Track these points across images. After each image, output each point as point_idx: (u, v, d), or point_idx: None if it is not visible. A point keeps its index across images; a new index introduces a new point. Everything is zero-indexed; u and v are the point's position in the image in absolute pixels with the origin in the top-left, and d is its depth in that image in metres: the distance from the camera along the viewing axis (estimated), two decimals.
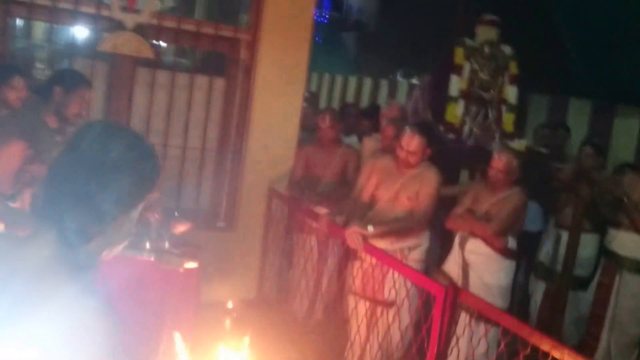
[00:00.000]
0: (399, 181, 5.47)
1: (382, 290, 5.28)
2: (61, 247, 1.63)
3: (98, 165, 1.65)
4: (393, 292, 5.10)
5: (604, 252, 6.57)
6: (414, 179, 5.44)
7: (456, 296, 4.05)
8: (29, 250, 1.63)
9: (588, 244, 6.67)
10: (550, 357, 3.34)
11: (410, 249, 5.47)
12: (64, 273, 1.60)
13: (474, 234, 5.61)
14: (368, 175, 5.63)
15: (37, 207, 1.68)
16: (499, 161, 5.60)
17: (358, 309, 5.43)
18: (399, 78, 13.81)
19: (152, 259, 4.59)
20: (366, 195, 5.59)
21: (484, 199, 5.70)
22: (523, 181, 5.80)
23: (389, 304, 5.26)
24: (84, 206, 1.63)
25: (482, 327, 5.10)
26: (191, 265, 4.65)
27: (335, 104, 13.96)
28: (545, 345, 3.38)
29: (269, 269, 6.64)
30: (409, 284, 5.10)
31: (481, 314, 4.24)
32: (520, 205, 5.67)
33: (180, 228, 5.20)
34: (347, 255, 5.59)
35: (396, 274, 5.06)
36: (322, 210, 5.83)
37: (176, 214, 5.41)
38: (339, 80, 14.66)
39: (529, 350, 3.48)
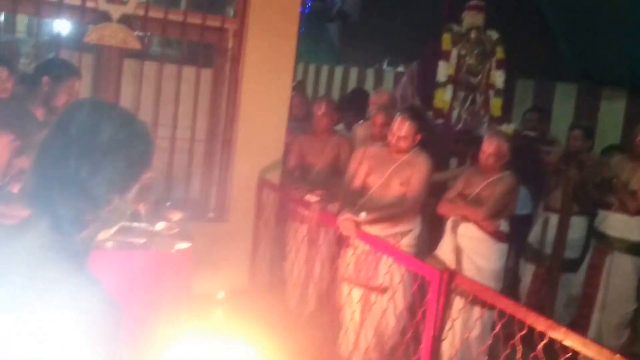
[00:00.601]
0: (390, 167, 5.47)
1: (376, 277, 5.30)
2: (54, 235, 1.59)
3: (89, 149, 1.60)
4: (387, 278, 5.11)
5: (595, 233, 6.65)
6: (405, 164, 5.45)
7: (451, 280, 4.06)
8: (24, 239, 1.59)
9: (577, 226, 6.74)
10: (546, 337, 3.35)
11: (402, 234, 5.48)
12: (61, 261, 1.57)
13: (466, 218, 5.63)
14: (359, 163, 5.63)
15: (27, 195, 1.63)
16: (490, 145, 5.62)
17: (352, 296, 5.45)
18: (385, 67, 13.79)
19: (143, 241, 4.53)
20: (357, 182, 5.60)
21: (475, 183, 5.72)
22: (512, 165, 5.83)
23: (383, 290, 5.28)
24: (77, 193, 1.59)
25: (476, 311, 5.13)
26: (183, 245, 4.61)
27: (322, 95, 13.96)
28: (541, 325, 3.40)
29: (261, 259, 6.64)
30: (403, 269, 5.12)
31: (475, 298, 4.24)
32: (511, 188, 5.70)
33: (172, 217, 5.18)
34: (340, 243, 5.60)
35: (390, 260, 5.08)
36: (313, 198, 5.84)
37: (168, 203, 5.39)
38: (324, 70, 14.66)
39: (525, 330, 3.50)
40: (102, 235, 1.70)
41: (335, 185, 5.98)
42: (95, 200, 1.60)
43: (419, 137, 5.47)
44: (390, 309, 5.14)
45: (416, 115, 5.59)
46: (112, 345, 1.53)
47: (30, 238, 1.59)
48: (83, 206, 1.60)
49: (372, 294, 5.39)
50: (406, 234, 5.50)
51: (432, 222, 6.25)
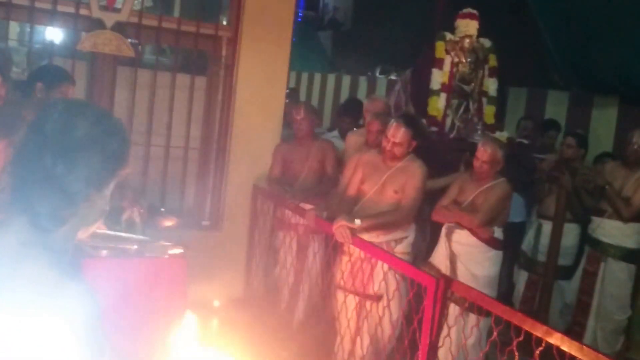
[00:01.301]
0: (384, 174, 5.47)
1: (372, 284, 5.30)
2: (33, 232, 1.61)
3: (64, 146, 1.62)
4: (383, 285, 5.12)
5: (588, 240, 6.67)
6: (399, 171, 5.45)
7: (447, 287, 4.07)
8: (4, 236, 1.61)
9: (570, 233, 6.74)
10: (543, 343, 3.36)
11: (396, 241, 5.48)
12: (40, 257, 1.58)
13: (460, 225, 5.64)
14: (354, 170, 5.63)
15: (6, 193, 1.66)
16: (484, 152, 5.64)
17: (347, 304, 5.44)
18: (377, 74, 13.86)
19: (135, 247, 4.52)
20: (352, 189, 5.59)
21: (469, 190, 5.74)
22: (506, 172, 5.85)
23: (378, 298, 5.28)
24: (53, 189, 1.61)
25: (472, 318, 5.13)
26: (176, 251, 4.60)
27: (315, 102, 14.02)
28: (538, 331, 3.41)
29: (256, 267, 6.64)
30: (398, 276, 5.12)
31: (470, 305, 4.25)
32: (505, 195, 5.72)
33: (166, 223, 5.17)
34: (335, 250, 5.59)
35: (385, 267, 5.08)
36: (307, 206, 5.83)
37: (162, 209, 5.39)
38: (317, 78, 14.72)
39: (522, 336, 3.50)
40: (82, 233, 1.72)
41: (323, 192, 5.98)
42: (72, 196, 1.63)
43: (414, 144, 5.48)
44: (386, 317, 5.14)
45: (411, 122, 5.60)
46: (94, 338, 1.54)
47: (10, 235, 1.60)
48: (60, 202, 1.62)
49: (367, 302, 5.38)
50: (400, 241, 5.51)
51: (429, 229, 6.27)
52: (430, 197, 5.92)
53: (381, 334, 5.30)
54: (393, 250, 5.33)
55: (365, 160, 5.63)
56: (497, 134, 7.37)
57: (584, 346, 3.25)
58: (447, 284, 4.10)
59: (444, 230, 5.74)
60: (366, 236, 5.20)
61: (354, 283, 5.39)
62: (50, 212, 1.61)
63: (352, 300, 5.45)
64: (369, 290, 5.34)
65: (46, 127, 1.63)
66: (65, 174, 1.61)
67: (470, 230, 5.61)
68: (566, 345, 3.28)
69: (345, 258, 5.46)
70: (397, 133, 5.40)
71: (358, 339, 5.37)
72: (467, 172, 5.99)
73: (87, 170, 1.64)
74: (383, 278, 5.11)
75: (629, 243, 6.40)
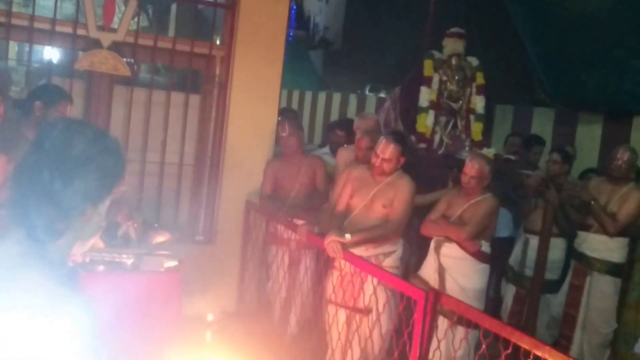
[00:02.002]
0: (373, 189, 5.54)
1: (362, 298, 5.35)
2: (31, 244, 1.66)
3: (62, 162, 1.67)
4: (373, 299, 5.17)
5: (574, 254, 6.72)
6: (388, 186, 5.52)
7: (437, 300, 4.10)
8: (3, 247, 1.66)
9: (556, 247, 6.79)
10: (531, 356, 3.40)
11: (384, 255, 5.54)
12: (36, 269, 1.62)
13: (449, 239, 5.73)
14: (343, 185, 5.69)
15: (6, 208, 1.71)
16: (472, 167, 5.74)
17: (338, 318, 5.50)
18: (367, 92, 13.99)
19: (131, 261, 4.59)
20: (342, 204, 5.66)
21: (457, 204, 5.83)
22: (493, 188, 5.96)
23: (368, 311, 5.34)
24: (50, 202, 1.66)
25: (460, 330, 5.21)
26: (172, 263, 4.67)
27: (307, 119, 14.11)
28: (526, 344, 3.44)
29: (249, 281, 6.70)
30: (388, 290, 5.21)
31: (459, 318, 4.31)
32: (493, 210, 5.82)
33: (160, 238, 5.25)
34: (325, 265, 5.66)
35: (375, 281, 5.13)
36: (299, 221, 5.89)
37: (156, 225, 5.47)
38: (308, 96, 14.81)
39: (510, 349, 3.54)
40: (79, 248, 1.78)
41: (315, 207, 6.01)
42: (68, 210, 1.68)
43: (402, 160, 5.57)
44: (376, 330, 5.20)
45: (400, 139, 5.70)
46: (91, 349, 1.59)
47: (9, 246, 1.66)
48: (56, 215, 1.67)
49: (357, 315, 5.44)
50: (389, 255, 5.56)
51: (419, 244, 6.36)
52: (420, 212, 6.03)
53: (371, 347, 5.36)
54: (381, 264, 5.39)
55: (354, 175, 5.70)
56: (485, 150, 7.45)
57: (571, 359, 3.28)
58: (437, 297, 4.12)
59: (432, 244, 5.81)
60: (355, 250, 5.26)
61: (345, 297, 5.44)
62: (46, 225, 1.66)
63: (342, 314, 5.51)
64: (359, 304, 5.40)
65: (45, 144, 1.69)
66: (62, 188, 1.66)
67: (459, 243, 5.69)
68: (554, 358, 3.31)
69: (335, 272, 5.51)
70: (386, 150, 5.48)
71: (349, 352, 5.43)
72: (455, 188, 6.07)
73: (84, 186, 1.69)
74: (373, 292, 5.17)
75: (614, 257, 6.45)
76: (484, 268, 5.83)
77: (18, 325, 1.53)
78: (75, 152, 1.69)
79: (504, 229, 7.33)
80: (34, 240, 1.66)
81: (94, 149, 1.72)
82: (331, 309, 5.59)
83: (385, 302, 5.18)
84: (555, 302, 6.88)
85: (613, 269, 6.48)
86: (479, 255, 5.76)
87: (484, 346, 3.74)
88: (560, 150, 7.20)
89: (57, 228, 1.68)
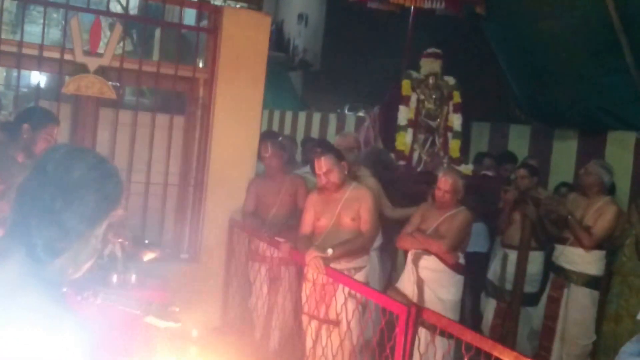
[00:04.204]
0: (337, 206, 5.65)
1: (330, 310, 5.46)
2: (30, 263, 1.69)
3: (63, 185, 1.72)
4: (342, 309, 5.25)
5: (552, 267, 6.79)
6: (351, 201, 5.63)
7: (419, 315, 4.12)
8: (3, 267, 1.69)
9: (534, 261, 6.86)
10: None
11: (355, 270, 5.62)
12: (34, 288, 1.66)
13: (427, 251, 5.83)
14: (308, 210, 5.82)
15: (6, 228, 1.75)
16: (445, 182, 5.88)
17: (310, 328, 5.63)
18: (346, 112, 14.13)
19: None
20: (307, 227, 5.77)
21: (432, 217, 5.95)
22: (471, 204, 6.09)
23: (336, 323, 5.41)
24: (50, 223, 1.70)
25: (438, 339, 5.26)
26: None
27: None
28: (507, 357, 3.47)
29: (232, 297, 6.76)
30: (355, 302, 5.27)
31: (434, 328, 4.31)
32: (468, 222, 5.95)
33: (149, 255, 5.33)
34: (300, 278, 5.76)
35: (346, 291, 5.23)
36: (281, 239, 5.93)
37: (146, 241, 5.54)
38: (289, 115, 14.89)
39: None
40: (74, 271, 1.83)
41: (295, 226, 6.05)
42: (68, 231, 1.72)
43: (345, 165, 5.66)
44: (346, 340, 5.27)
45: (328, 147, 5.83)
46: None
47: (9, 266, 1.69)
48: (56, 235, 1.71)
49: (324, 326, 5.53)
50: (359, 270, 5.65)
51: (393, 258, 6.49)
52: (398, 226, 6.14)
53: (341, 357, 5.37)
54: (353, 278, 5.43)
55: (314, 199, 5.81)
56: (462, 167, 7.62)
57: None
58: (419, 311, 4.14)
59: (410, 257, 5.90)
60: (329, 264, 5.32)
61: (317, 308, 5.53)
62: (46, 244, 1.70)
63: (314, 325, 5.61)
64: (328, 315, 5.50)
65: (48, 167, 1.75)
66: (62, 210, 1.71)
67: (438, 255, 5.80)
68: None
69: (308, 284, 5.61)
70: (320, 164, 5.59)
71: None
72: (430, 202, 6.17)
73: (83, 209, 1.74)
74: (344, 302, 5.26)
75: (591, 270, 6.54)
76: (460, 279, 5.95)
77: (15, 344, 1.57)
78: (77, 175, 1.75)
79: (480, 245, 7.46)
80: (34, 259, 1.70)
81: (94, 174, 1.78)
82: (305, 319, 5.69)
83: (354, 310, 5.26)
84: (536, 314, 6.95)
85: (590, 282, 6.56)
86: (456, 267, 5.88)
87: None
88: (526, 165, 7.37)
89: (56, 247, 1.73)
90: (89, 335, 1.68)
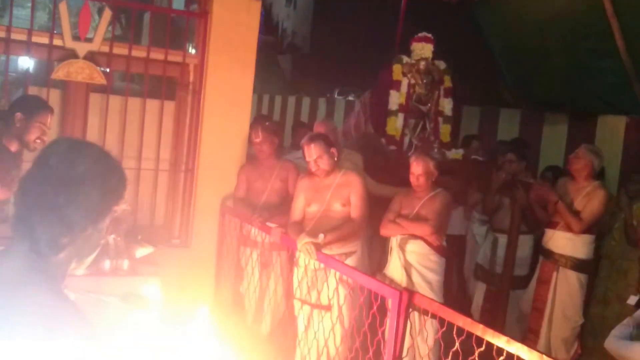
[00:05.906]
0: (328, 192, 5.68)
1: (322, 294, 5.51)
2: (34, 258, 1.71)
3: (66, 180, 1.73)
4: (334, 294, 5.30)
5: (542, 251, 6.82)
6: (341, 186, 5.67)
7: (410, 299, 4.13)
8: (7, 261, 1.72)
9: (524, 244, 6.97)
10: (504, 353, 3.45)
11: (346, 255, 5.64)
12: (37, 282, 1.68)
13: (413, 236, 5.87)
14: (298, 196, 5.85)
15: (10, 222, 1.76)
16: (417, 166, 5.93)
17: (302, 313, 5.67)
18: (336, 96, 14.12)
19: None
20: (297, 214, 5.80)
21: (411, 203, 5.99)
22: (465, 189, 6.11)
23: (328, 308, 5.45)
24: (54, 218, 1.71)
25: (429, 323, 5.28)
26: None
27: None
28: (499, 341, 3.48)
29: (224, 282, 6.77)
30: (347, 288, 5.30)
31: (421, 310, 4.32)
32: (448, 202, 6.04)
33: (142, 252, 5.33)
34: (292, 264, 5.79)
35: (337, 276, 5.26)
36: (272, 224, 5.94)
37: (139, 237, 5.53)
38: (278, 100, 14.88)
39: (484, 347, 3.60)
40: (77, 267, 1.87)
41: (285, 212, 6.05)
42: (71, 225, 1.74)
43: (334, 151, 5.69)
44: (337, 325, 5.31)
45: (317, 136, 5.83)
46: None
47: (12, 260, 1.72)
48: (59, 230, 1.72)
49: (316, 311, 5.58)
50: (350, 255, 5.68)
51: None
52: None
53: (334, 341, 5.40)
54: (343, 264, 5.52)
55: (304, 185, 5.83)
56: (453, 152, 7.65)
57: (544, 355, 3.29)
58: (410, 296, 4.15)
59: (395, 242, 5.93)
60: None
61: (309, 293, 5.57)
62: (49, 239, 1.71)
63: (305, 310, 5.66)
64: (320, 300, 5.54)
65: (51, 161, 1.76)
66: (65, 204, 1.72)
67: (424, 238, 5.85)
68: (524, 353, 3.35)
69: (300, 270, 5.64)
70: (310, 151, 5.63)
71: (315, 345, 5.50)
72: (407, 188, 6.16)
73: (86, 204, 1.75)
74: (335, 288, 5.30)
75: (580, 254, 6.58)
76: (444, 261, 6.01)
77: (17, 338, 1.58)
78: (80, 170, 1.76)
79: (457, 227, 7.56)
80: (37, 254, 1.71)
81: (98, 168, 1.79)
82: (296, 304, 5.73)
83: (346, 296, 5.29)
84: (525, 297, 6.99)
85: (579, 265, 6.60)
86: (441, 249, 5.93)
87: (457, 344, 3.75)
88: (513, 150, 7.40)
89: (60, 242, 1.74)
90: (90, 329, 1.69)
